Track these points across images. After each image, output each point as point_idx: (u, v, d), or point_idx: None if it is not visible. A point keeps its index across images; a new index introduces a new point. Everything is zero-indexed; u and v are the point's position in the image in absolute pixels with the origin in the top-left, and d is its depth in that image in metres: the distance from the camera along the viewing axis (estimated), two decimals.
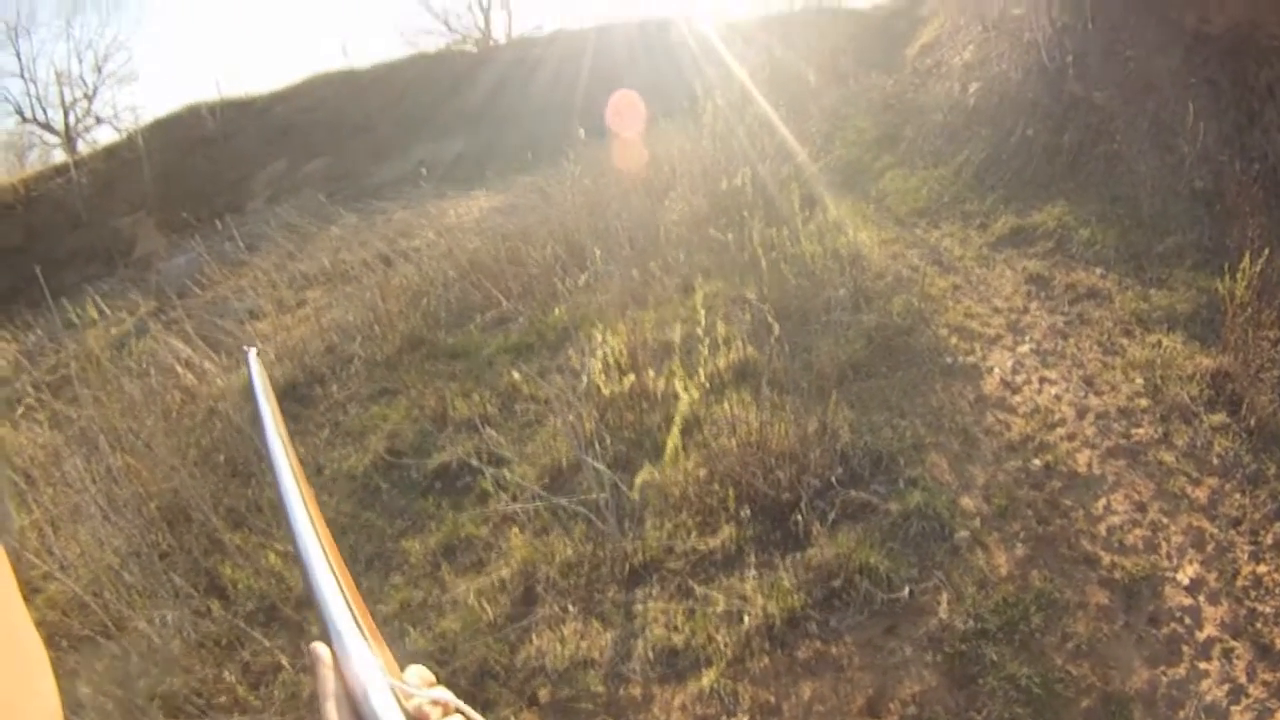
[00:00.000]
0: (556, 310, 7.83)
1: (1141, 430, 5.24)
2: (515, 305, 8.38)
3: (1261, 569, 4.27)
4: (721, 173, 9.10)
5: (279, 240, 13.60)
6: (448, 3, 32.76)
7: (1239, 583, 4.19)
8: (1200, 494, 4.75)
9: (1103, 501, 4.68)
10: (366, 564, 5.23)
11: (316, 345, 8.68)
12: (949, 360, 6.13)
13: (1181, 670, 3.72)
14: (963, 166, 9.70)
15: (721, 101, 10.35)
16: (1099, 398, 5.61)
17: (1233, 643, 3.85)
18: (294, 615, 4.82)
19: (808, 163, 10.21)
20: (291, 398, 7.71)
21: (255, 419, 1.26)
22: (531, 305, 8.25)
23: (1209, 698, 3.60)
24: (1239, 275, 5.51)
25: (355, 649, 0.89)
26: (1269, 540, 4.43)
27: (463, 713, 0.93)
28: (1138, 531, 4.47)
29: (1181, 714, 3.53)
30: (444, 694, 0.92)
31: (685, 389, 5.79)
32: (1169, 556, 4.32)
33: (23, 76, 36.36)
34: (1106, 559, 4.27)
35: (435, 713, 0.89)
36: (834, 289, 7.13)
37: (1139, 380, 5.68)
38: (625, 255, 8.39)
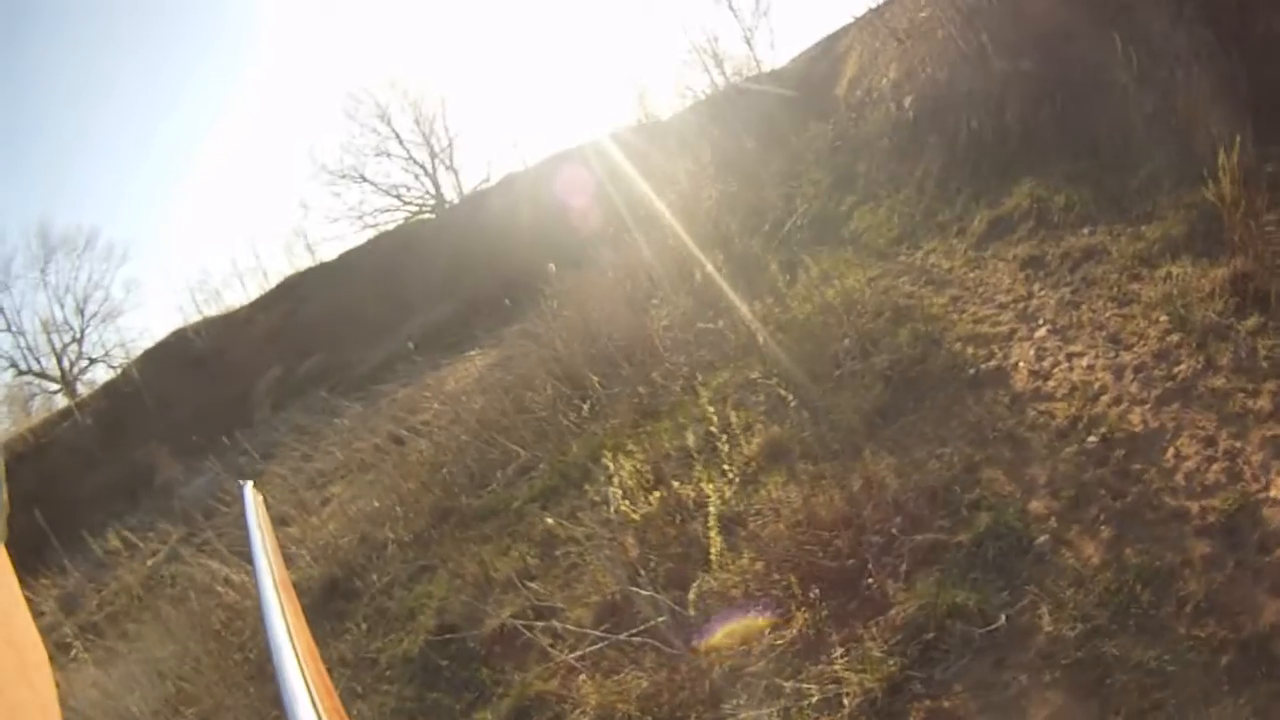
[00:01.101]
0: (574, 446, 7.64)
1: (1183, 366, 5.01)
2: (532, 453, 8.21)
3: None
4: (694, 265, 9.00)
5: (291, 444, 13.65)
6: (396, 178, 33.18)
7: None
8: (1264, 403, 4.48)
9: (1170, 451, 4.44)
10: None
11: (348, 539, 8.56)
12: (972, 372, 5.93)
13: None
14: (923, 181, 9.65)
15: (675, 197, 10.35)
16: (1130, 351, 5.39)
17: None
18: None
19: (775, 228, 10.16)
20: (335, 595, 7.57)
21: (249, 544, 1.32)
22: (548, 448, 8.07)
23: None
24: (1220, 174, 5.33)
25: None
26: None
27: None
28: (1216, 466, 4.21)
29: None
30: None
31: (713, 488, 5.51)
32: (1255, 478, 4.05)
33: (10, 330, 36.84)
34: (1195, 507, 4.02)
35: None
36: (837, 341, 6.90)
37: (1163, 318, 5.45)
38: (625, 374, 8.24)
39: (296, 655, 1.07)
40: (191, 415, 19.87)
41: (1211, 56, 7.32)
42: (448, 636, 6.03)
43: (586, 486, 6.94)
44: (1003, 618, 3.85)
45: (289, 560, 8.58)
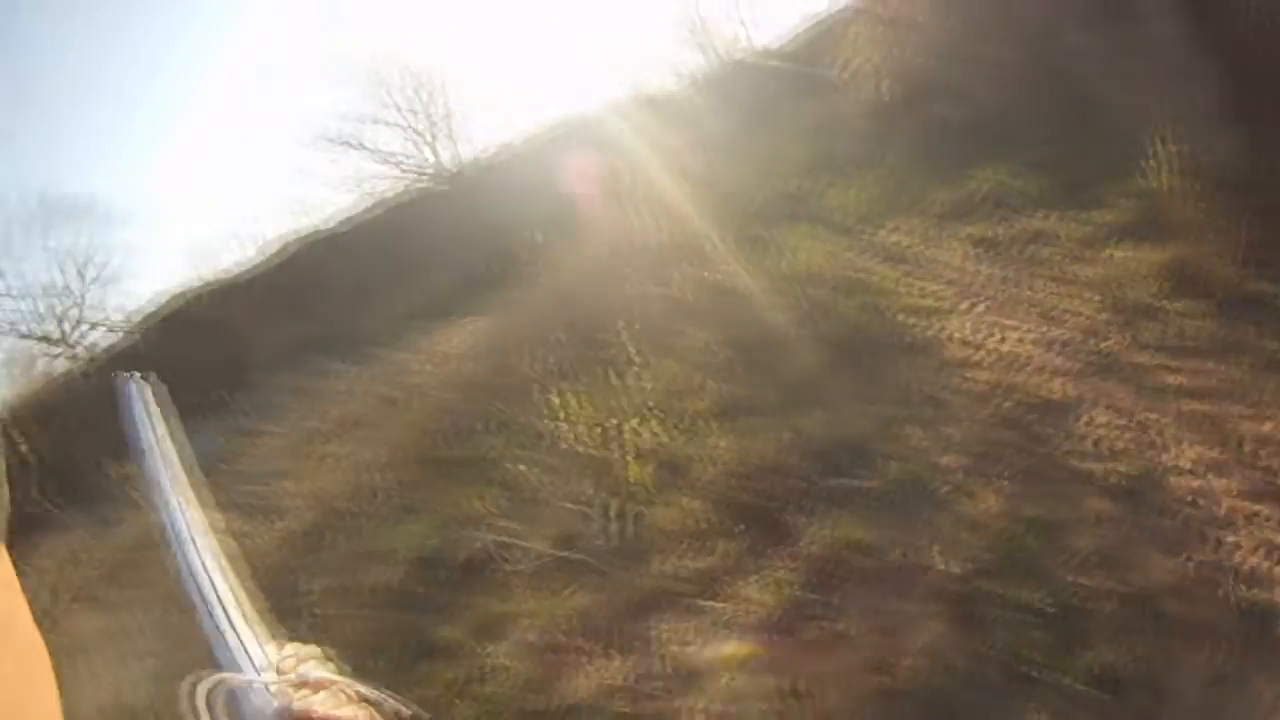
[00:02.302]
0: (546, 402, 8.21)
1: (1110, 342, 5.38)
2: (511, 409, 8.76)
3: (1267, 427, 4.33)
4: (671, 237, 9.54)
5: (288, 405, 14.07)
6: (395, 146, 33.24)
7: (1246, 448, 4.24)
8: (1182, 379, 4.86)
9: (1084, 419, 4.80)
10: (413, 657, 5.59)
11: (340, 489, 9.09)
12: (908, 340, 6.39)
13: (1208, 550, 3.74)
14: (894, 163, 10.02)
15: (661, 172, 10.85)
16: (1061, 327, 5.76)
17: (1256, 506, 3.88)
18: None
19: (752, 204, 10.65)
20: (323, 536, 8.12)
21: (136, 448, 1.21)
22: (525, 405, 8.64)
23: (1246, 565, 3.62)
24: (1155, 162, 5.77)
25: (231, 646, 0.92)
26: (1266, 397, 4.52)
27: (346, 690, 0.93)
28: (1127, 435, 4.55)
29: (1220, 591, 3.54)
30: (318, 671, 0.94)
31: (657, 436, 6.16)
32: (1164, 448, 4.38)
33: (11, 295, 37.24)
34: (1099, 469, 4.36)
35: (311, 694, 0.90)
36: (792, 310, 7.42)
37: (1096, 298, 5.83)
38: (599, 338, 8.79)
39: (200, 556, 1.08)
40: (190, 380, 20.17)
41: (1170, 48, 7.56)
42: (424, 568, 6.69)
43: (555, 438, 7.55)
44: (897, 553, 4.35)
45: (283, 512, 9.23)
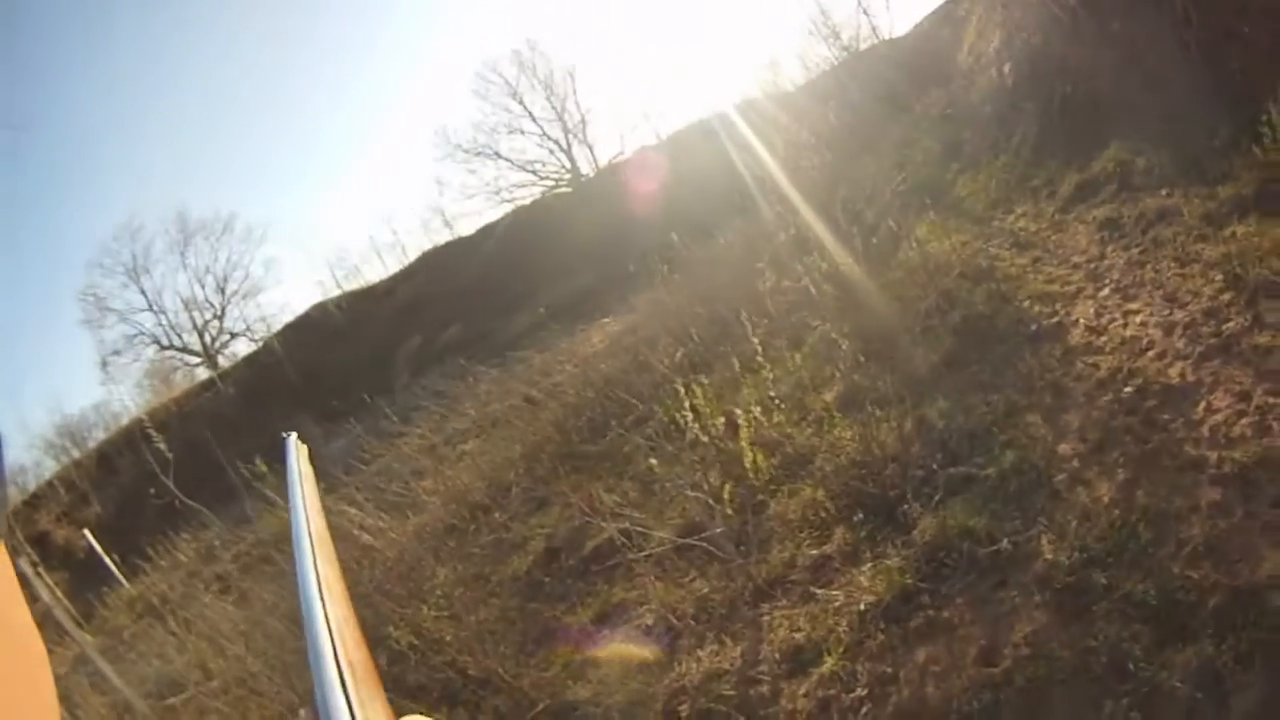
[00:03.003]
0: (682, 397, 8.41)
1: (1231, 324, 5.21)
2: (648, 406, 9.00)
3: None
4: (807, 231, 9.69)
5: (430, 407, 14.60)
6: (530, 154, 34.21)
7: None
8: None
9: (1202, 405, 4.69)
10: (536, 642, 5.88)
11: (477, 484, 9.50)
12: (1034, 327, 6.40)
13: None
14: (1020, 146, 9.95)
15: (795, 167, 10.99)
16: (1183, 309, 5.64)
17: None
18: None
19: (885, 195, 10.72)
20: (457, 531, 8.51)
21: (289, 497, 1.29)
22: (661, 401, 8.86)
23: None
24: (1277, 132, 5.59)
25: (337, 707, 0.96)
26: None
27: None
28: (1244, 421, 4.41)
29: None
30: None
31: (784, 429, 6.32)
32: None
33: (151, 309, 39.91)
34: (1214, 456, 4.25)
35: None
36: (920, 301, 7.56)
37: (1219, 278, 5.68)
38: (735, 333, 8.98)
39: (325, 614, 1.10)
40: (332, 384, 21.10)
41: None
42: (551, 558, 7.02)
43: (687, 432, 7.76)
44: (1006, 542, 4.39)
45: (419, 507, 9.66)
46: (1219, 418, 4.55)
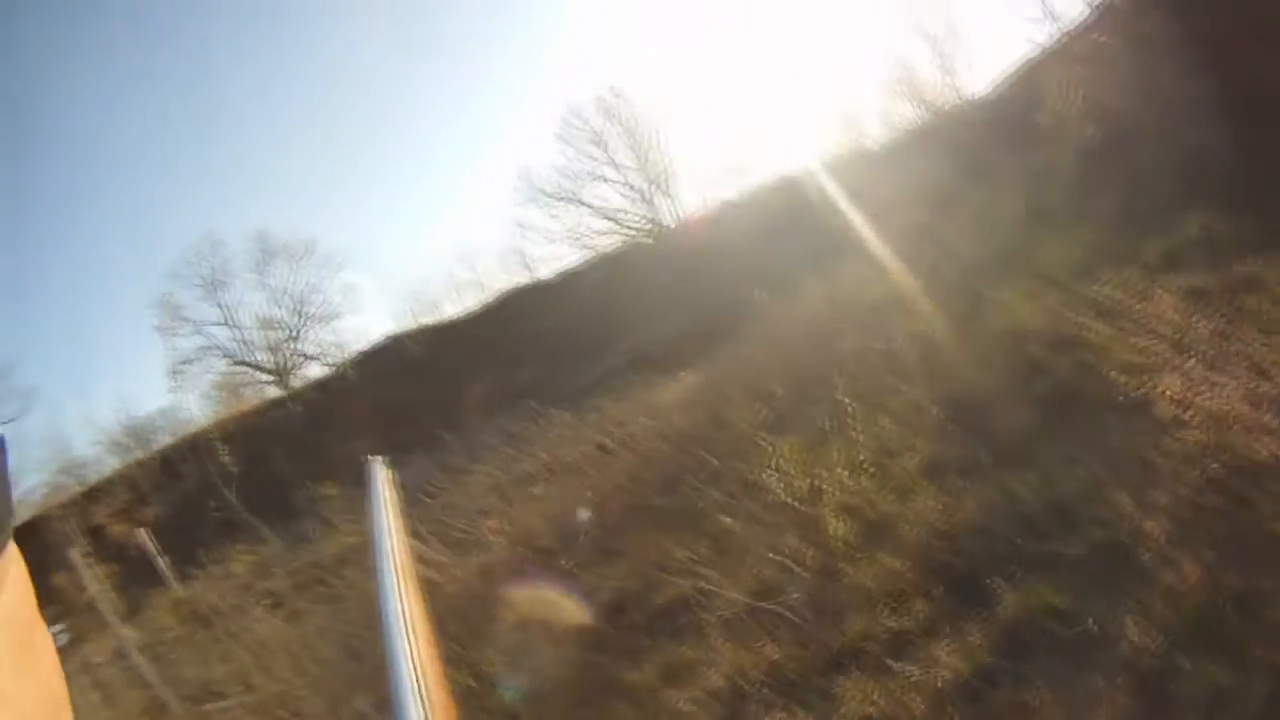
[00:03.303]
0: (760, 457, 8.36)
1: None
2: (725, 463, 8.96)
3: None
4: (889, 292, 9.64)
5: (499, 447, 14.68)
6: (613, 202, 34.58)
7: None
8: None
9: None
10: (597, 697, 5.82)
11: (543, 528, 9.50)
12: (1120, 399, 6.25)
13: None
14: (1104, 212, 9.84)
15: (878, 227, 10.97)
16: (1270, 382, 5.55)
17: None
18: None
19: (968, 258, 10.64)
20: (520, 575, 8.50)
21: (371, 522, 1.33)
22: (737, 459, 8.82)
23: None
24: None
25: None
26: None
27: None
28: None
29: None
30: None
31: (866, 496, 6.25)
32: None
33: (226, 324, 40.94)
34: None
35: None
36: (1005, 368, 7.50)
37: None
38: (815, 394, 8.93)
39: (411, 651, 1.09)
40: (402, 415, 21.36)
41: None
42: (616, 610, 6.96)
43: (764, 490, 7.70)
44: (1091, 622, 4.27)
45: (485, 546, 9.67)
46: None
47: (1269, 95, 8.14)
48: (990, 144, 14.85)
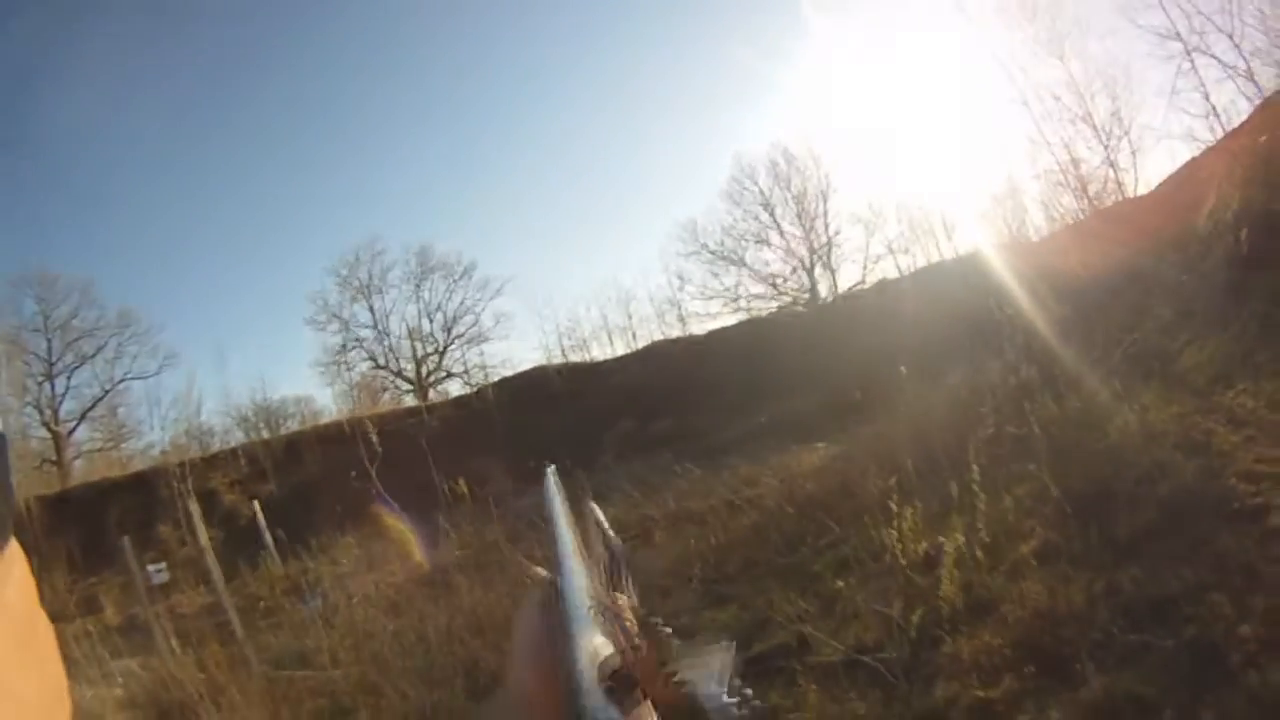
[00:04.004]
0: (880, 529, 8.57)
1: None
2: (845, 531, 9.21)
3: None
4: (1029, 383, 9.80)
5: (627, 489, 15.04)
6: (773, 267, 35.01)
7: None
8: None
9: None
10: None
11: (659, 572, 9.84)
12: (1235, 506, 6.37)
13: None
14: (1249, 319, 9.88)
15: (1028, 319, 11.12)
16: None
17: None
18: None
19: (1112, 359, 10.71)
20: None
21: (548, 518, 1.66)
22: (859, 529, 9.05)
23: None
24: None
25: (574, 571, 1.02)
26: None
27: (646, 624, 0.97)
28: None
29: None
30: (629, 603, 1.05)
31: (978, 568, 6.47)
32: None
33: (375, 329, 42.58)
34: None
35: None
36: (1131, 468, 7.59)
37: None
38: (944, 474, 9.11)
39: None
40: (535, 445, 21.76)
41: None
42: None
43: (880, 558, 7.93)
44: (1169, 714, 4.46)
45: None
46: None
47: None
48: (1146, 244, 14.81)
